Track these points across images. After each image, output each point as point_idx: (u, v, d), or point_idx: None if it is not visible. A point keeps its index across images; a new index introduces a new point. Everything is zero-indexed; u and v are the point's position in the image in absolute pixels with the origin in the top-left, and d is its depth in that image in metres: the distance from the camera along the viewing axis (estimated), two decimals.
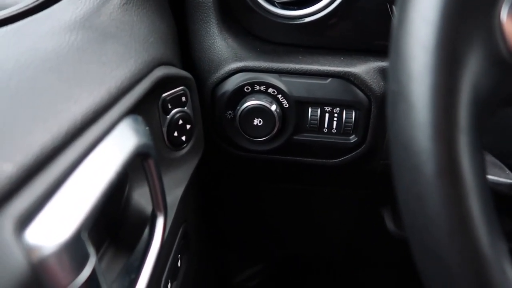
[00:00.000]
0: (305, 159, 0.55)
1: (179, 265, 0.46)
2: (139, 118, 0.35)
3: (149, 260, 0.34)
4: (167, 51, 0.45)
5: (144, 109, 0.41)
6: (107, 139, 0.29)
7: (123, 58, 0.35)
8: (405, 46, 0.22)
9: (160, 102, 0.44)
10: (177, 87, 0.46)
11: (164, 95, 0.44)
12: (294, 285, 1.04)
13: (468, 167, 0.22)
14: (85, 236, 0.27)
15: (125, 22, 0.40)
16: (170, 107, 0.45)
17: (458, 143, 0.22)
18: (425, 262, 0.24)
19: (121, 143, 0.30)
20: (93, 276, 0.26)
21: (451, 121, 0.22)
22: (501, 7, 0.21)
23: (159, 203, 0.36)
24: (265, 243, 0.88)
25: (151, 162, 0.34)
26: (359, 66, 0.51)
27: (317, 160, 0.54)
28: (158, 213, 0.36)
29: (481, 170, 0.23)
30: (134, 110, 0.35)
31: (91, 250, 0.27)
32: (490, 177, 0.39)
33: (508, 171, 0.41)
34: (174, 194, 0.45)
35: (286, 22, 0.52)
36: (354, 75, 0.50)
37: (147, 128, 0.35)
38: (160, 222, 0.36)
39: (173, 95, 0.45)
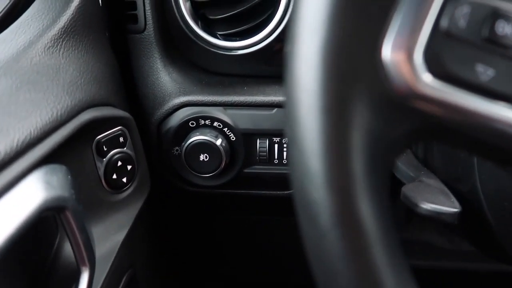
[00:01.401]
0: (257, 191, 0.53)
1: None
2: (58, 168, 0.33)
3: None
4: (101, 91, 0.43)
5: (72, 156, 0.39)
6: (6, 197, 0.27)
7: (37, 106, 0.34)
8: (291, 89, 0.21)
9: (93, 146, 0.42)
10: (114, 128, 0.44)
11: (98, 137, 0.42)
12: None
13: (367, 215, 0.20)
14: None
15: (50, 66, 0.39)
16: (106, 149, 0.43)
17: (353, 191, 0.20)
18: None
19: (23, 199, 0.28)
20: None
21: (343, 168, 0.20)
22: (382, 43, 0.20)
23: (83, 257, 0.34)
24: (235, 272, 0.85)
25: (68, 215, 0.32)
26: None
27: (270, 192, 0.52)
28: (83, 268, 0.34)
29: (384, 216, 0.21)
30: (53, 159, 0.34)
31: None
32: (433, 206, 0.38)
33: (453, 199, 0.39)
34: (114, 240, 0.43)
35: (229, 53, 0.51)
36: None
37: (69, 177, 0.34)
38: (84, 278, 0.33)
39: (109, 137, 0.43)
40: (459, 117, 0.21)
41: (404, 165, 0.47)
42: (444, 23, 0.20)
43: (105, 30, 0.48)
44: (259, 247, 0.70)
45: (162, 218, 0.62)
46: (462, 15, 0.20)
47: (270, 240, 0.52)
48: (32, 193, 0.29)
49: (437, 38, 0.20)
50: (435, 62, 0.21)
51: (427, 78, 0.21)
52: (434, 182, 0.43)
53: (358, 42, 0.20)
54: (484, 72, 0.21)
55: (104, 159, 0.43)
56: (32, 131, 0.31)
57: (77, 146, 0.40)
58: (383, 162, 0.21)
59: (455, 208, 0.38)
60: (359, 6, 0.20)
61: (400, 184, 0.44)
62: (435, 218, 0.38)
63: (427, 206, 0.39)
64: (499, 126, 0.21)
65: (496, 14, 0.20)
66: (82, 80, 0.41)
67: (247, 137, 0.50)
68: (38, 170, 0.31)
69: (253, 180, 0.52)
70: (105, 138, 0.43)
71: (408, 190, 0.41)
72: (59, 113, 0.35)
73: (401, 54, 0.21)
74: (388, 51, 0.20)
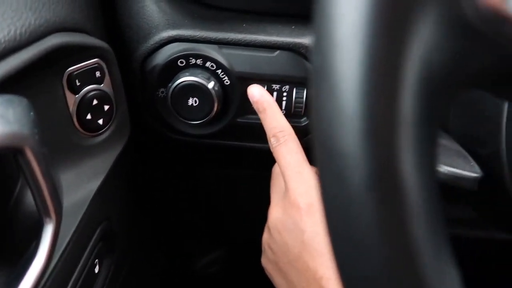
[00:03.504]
0: (251, 144, 0.48)
1: (96, 271, 0.39)
2: (17, 100, 0.27)
3: (29, 277, 0.27)
4: (74, 14, 0.36)
5: (37, 88, 0.33)
6: None
7: None
8: (330, 2, 0.15)
9: (64, 79, 0.36)
10: (89, 60, 0.37)
11: (69, 69, 0.36)
12: (256, 269, 1.00)
13: (412, 177, 0.15)
14: None
15: None
16: (79, 84, 0.37)
17: (398, 144, 0.15)
18: None
19: None
20: None
21: (389, 111, 0.15)
22: None
23: (47, 207, 0.28)
24: (220, 228, 0.82)
25: (28, 157, 0.26)
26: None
27: (264, 145, 0.47)
28: (46, 220, 0.29)
29: (430, 180, 0.16)
30: (11, 90, 0.27)
31: None
32: (452, 169, 0.33)
33: (473, 162, 0.35)
34: (88, 189, 0.38)
35: None
36: (305, 47, 0.43)
37: (31, 113, 0.28)
38: (48, 231, 0.28)
39: (83, 70, 0.37)
40: None
41: None
42: None
43: None
44: (245, 204, 0.66)
45: (142, 167, 0.57)
46: None
47: (259, 197, 0.48)
48: None
49: None
50: None
51: None
52: (449, 143, 0.39)
53: None
54: None
55: (76, 96, 0.37)
56: None
57: (43, 76, 0.33)
58: (439, 107, 0.16)
59: (476, 173, 0.34)
60: None
61: None
62: (453, 184, 0.34)
63: (445, 169, 0.34)
64: None
65: None
66: None
67: (243, 81, 0.44)
68: None
69: (247, 130, 0.47)
70: (79, 71, 0.37)
71: None
72: (18, 32, 0.29)
73: None
74: None
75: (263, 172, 0.48)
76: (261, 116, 0.42)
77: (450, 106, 0.18)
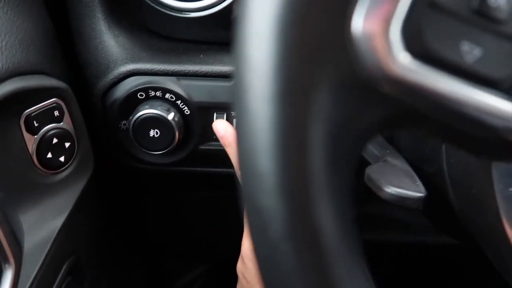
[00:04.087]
0: (215, 169, 0.49)
1: None
2: None
3: None
4: (29, 57, 0.37)
5: None
6: None
7: None
8: (238, 67, 0.17)
9: (22, 121, 0.37)
10: (46, 100, 0.38)
11: (26, 111, 0.37)
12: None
13: (325, 224, 0.17)
14: None
15: None
16: (37, 125, 0.38)
17: (309, 196, 0.17)
18: None
19: None
20: None
21: (298, 168, 0.16)
22: (352, 11, 0.16)
23: (5, 253, 0.29)
24: (199, 246, 0.83)
25: None
26: None
27: (228, 169, 0.48)
28: (6, 266, 0.29)
29: (346, 225, 0.18)
30: None
31: None
32: (397, 190, 0.35)
33: (418, 182, 0.37)
34: (51, 226, 0.39)
35: (182, 15, 0.45)
36: None
37: None
38: (7, 278, 0.29)
39: (40, 110, 0.38)
40: (439, 105, 0.18)
41: (369, 143, 0.45)
42: None
43: None
44: (222, 222, 0.67)
45: (109, 199, 0.57)
46: None
47: (231, 215, 0.49)
48: None
49: (419, 8, 0.16)
50: (415, 38, 0.17)
51: (404, 57, 0.17)
52: (399, 163, 0.41)
53: (323, 9, 0.16)
54: (471, 52, 0.18)
55: (35, 136, 0.38)
56: None
57: (0, 121, 0.34)
58: (347, 158, 0.18)
59: (420, 192, 0.36)
60: None
61: (365, 162, 0.42)
62: (398, 203, 0.35)
63: (391, 190, 0.36)
64: (478, 113, 0.18)
65: None
66: (4, 43, 0.35)
67: (203, 110, 0.46)
68: None
69: (210, 157, 0.48)
70: (36, 112, 0.37)
71: (372, 172, 0.38)
72: None
73: (375, 26, 0.17)
74: (360, 22, 0.16)
75: (234, 192, 0.49)
76: (227, 150, 0.44)
77: (361, 151, 0.19)
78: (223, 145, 0.44)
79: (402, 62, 0.17)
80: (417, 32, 0.17)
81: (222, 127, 0.44)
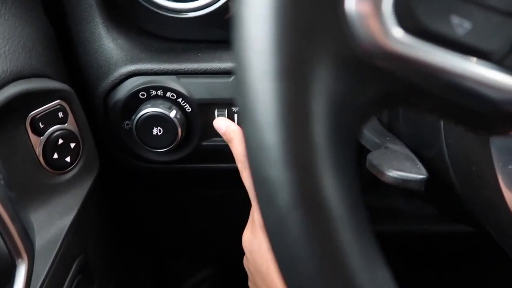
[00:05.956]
0: (218, 165, 0.50)
1: None
2: None
3: None
4: (32, 61, 0.38)
5: (2, 134, 0.34)
6: None
7: None
8: (240, 50, 0.18)
9: (27, 123, 0.37)
10: (50, 102, 0.39)
11: (32, 113, 0.37)
12: (244, 286, 1.01)
13: (331, 193, 0.18)
14: None
15: None
16: (42, 126, 0.38)
17: (314, 166, 0.17)
18: None
19: None
20: None
21: (303, 140, 0.17)
22: None
23: (18, 249, 0.30)
24: (206, 247, 0.83)
25: None
26: None
27: (231, 165, 0.49)
28: (19, 261, 0.30)
29: (350, 193, 0.19)
30: None
31: None
32: (400, 173, 0.36)
33: (419, 165, 0.37)
34: (60, 225, 0.39)
35: (179, 16, 0.46)
36: None
37: None
38: (21, 272, 0.30)
39: (45, 112, 0.38)
40: (432, 77, 0.19)
41: (369, 131, 0.45)
42: None
43: None
44: (224, 222, 0.68)
45: (115, 198, 0.58)
46: None
47: (235, 214, 0.50)
48: None
49: None
50: (406, 14, 0.18)
51: (397, 32, 0.18)
52: (399, 148, 0.42)
53: None
54: (460, 25, 0.18)
55: (41, 138, 0.39)
56: None
57: (6, 123, 0.35)
58: (348, 131, 0.19)
59: (422, 174, 0.37)
60: None
61: (365, 151, 0.43)
62: (401, 186, 0.36)
63: (393, 173, 0.37)
64: (474, 85, 0.19)
65: None
66: (7, 48, 0.36)
67: (204, 107, 0.46)
68: None
69: (213, 152, 0.49)
70: (41, 114, 0.38)
71: (373, 157, 0.39)
72: None
73: (368, 5, 0.18)
74: (353, 2, 0.17)
75: (237, 190, 0.50)
76: (230, 145, 0.45)
77: (363, 126, 0.20)
78: (226, 141, 0.45)
79: (396, 37, 0.18)
80: (408, 8, 0.18)
81: (223, 124, 0.44)
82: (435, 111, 0.22)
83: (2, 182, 0.28)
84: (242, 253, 0.48)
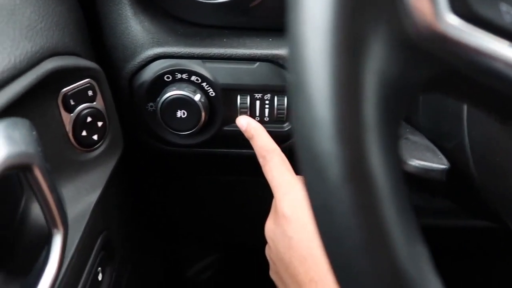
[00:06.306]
0: (239, 150, 0.51)
1: (100, 278, 0.42)
2: (21, 122, 0.29)
3: (43, 284, 0.29)
4: (65, 38, 0.39)
5: (36, 110, 0.35)
6: None
7: None
8: (296, 26, 0.18)
9: (59, 99, 0.38)
10: (81, 80, 0.40)
11: (64, 90, 0.38)
12: (248, 274, 1.02)
13: (379, 168, 0.19)
14: None
15: (2, 6, 0.34)
16: (73, 103, 0.39)
17: (365, 142, 0.18)
18: (341, 277, 0.21)
19: None
20: None
21: (355, 116, 0.18)
22: None
23: (55, 219, 0.31)
24: (213, 234, 0.85)
25: (36, 174, 0.29)
26: None
27: (251, 151, 0.50)
28: (55, 230, 0.31)
29: (395, 170, 0.19)
30: (14, 113, 0.30)
31: None
32: (422, 163, 0.37)
33: (440, 155, 0.38)
34: (87, 201, 0.40)
35: (206, 1, 0.47)
36: (283, 58, 0.46)
37: (34, 133, 0.30)
38: (57, 241, 0.31)
39: (76, 90, 0.39)
40: (479, 63, 0.19)
41: None
42: None
43: None
44: (238, 209, 0.69)
45: (137, 178, 0.59)
46: None
47: (250, 201, 0.51)
48: None
49: None
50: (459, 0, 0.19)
51: (449, 17, 0.19)
52: (419, 139, 0.42)
53: None
54: (508, 12, 0.19)
55: (71, 114, 0.39)
56: None
57: (40, 99, 0.36)
58: (395, 110, 0.20)
59: (444, 164, 0.38)
60: None
61: None
62: (423, 176, 0.37)
63: (416, 163, 0.38)
64: None
65: None
66: (43, 25, 0.36)
67: (227, 92, 0.47)
68: None
69: (234, 138, 0.49)
70: (72, 91, 0.39)
71: None
72: (17, 60, 0.31)
73: None
74: None
75: (254, 177, 0.51)
76: (251, 142, 0.45)
77: (410, 106, 0.21)
78: (247, 137, 0.46)
79: (447, 20, 0.19)
80: None
81: (244, 121, 0.46)
82: (474, 98, 0.23)
83: (41, 154, 0.29)
84: (248, 239, 0.48)
